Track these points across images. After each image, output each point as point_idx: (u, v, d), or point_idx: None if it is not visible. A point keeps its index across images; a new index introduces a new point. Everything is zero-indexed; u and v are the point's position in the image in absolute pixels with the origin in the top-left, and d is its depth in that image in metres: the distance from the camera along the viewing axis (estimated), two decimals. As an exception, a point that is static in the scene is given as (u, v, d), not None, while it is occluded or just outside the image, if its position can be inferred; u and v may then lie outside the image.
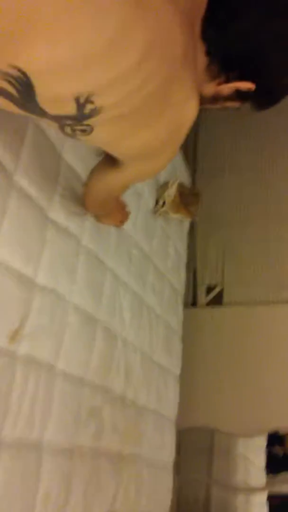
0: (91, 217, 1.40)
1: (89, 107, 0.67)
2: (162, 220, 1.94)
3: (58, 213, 1.24)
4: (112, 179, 0.98)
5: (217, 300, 2.59)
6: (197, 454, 2.39)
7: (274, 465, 2.28)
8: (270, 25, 0.70)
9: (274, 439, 2.29)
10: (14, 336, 1.05)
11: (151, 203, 1.87)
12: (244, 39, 0.71)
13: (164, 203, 1.86)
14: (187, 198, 1.99)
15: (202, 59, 0.75)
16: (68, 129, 0.73)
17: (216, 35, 0.72)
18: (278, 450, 2.35)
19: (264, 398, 2.19)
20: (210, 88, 0.80)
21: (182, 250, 2.20)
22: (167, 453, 1.84)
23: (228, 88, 0.80)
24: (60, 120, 0.71)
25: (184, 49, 0.68)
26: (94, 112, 0.68)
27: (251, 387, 2.22)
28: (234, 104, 0.89)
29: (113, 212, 1.45)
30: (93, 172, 1.05)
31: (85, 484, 1.27)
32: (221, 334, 2.42)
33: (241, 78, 0.77)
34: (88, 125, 0.71)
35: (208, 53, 0.74)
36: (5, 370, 1.02)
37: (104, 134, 0.76)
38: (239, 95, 0.82)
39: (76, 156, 1.35)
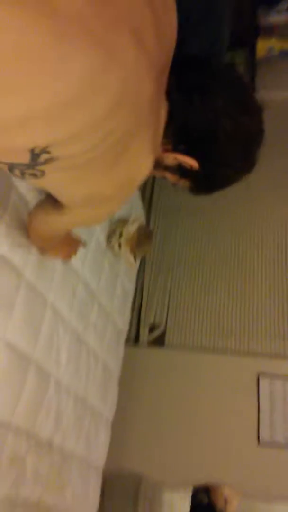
0: (36, 250, 1.32)
1: (44, 156, 0.60)
2: (112, 257, 1.88)
3: (1, 243, 1.16)
4: (54, 221, 0.92)
5: (160, 341, 2.55)
6: (122, 502, 2.28)
7: (199, 512, 2.19)
8: (235, 116, 0.71)
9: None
10: None
11: (102, 239, 1.81)
12: (206, 117, 0.70)
13: (121, 234, 1.81)
14: (141, 239, 1.95)
15: (164, 117, 0.73)
16: (17, 172, 0.66)
17: (181, 101, 0.71)
18: (203, 497, 2.26)
19: (196, 449, 2.15)
20: (158, 150, 0.77)
21: (130, 290, 2.13)
22: (90, 504, 1.73)
23: (172, 157, 0.79)
24: (11, 165, 0.64)
25: (151, 103, 0.64)
26: (49, 161, 0.62)
27: (183, 437, 2.18)
28: (172, 178, 0.87)
29: (61, 245, 1.36)
30: (35, 211, 1.00)
31: None
32: (161, 377, 2.37)
33: (188, 153, 0.76)
34: (40, 170, 0.65)
35: (170, 114, 0.72)
36: None
37: (54, 179, 0.70)
38: (179, 170, 0.81)
39: (29, 185, 1.28)
